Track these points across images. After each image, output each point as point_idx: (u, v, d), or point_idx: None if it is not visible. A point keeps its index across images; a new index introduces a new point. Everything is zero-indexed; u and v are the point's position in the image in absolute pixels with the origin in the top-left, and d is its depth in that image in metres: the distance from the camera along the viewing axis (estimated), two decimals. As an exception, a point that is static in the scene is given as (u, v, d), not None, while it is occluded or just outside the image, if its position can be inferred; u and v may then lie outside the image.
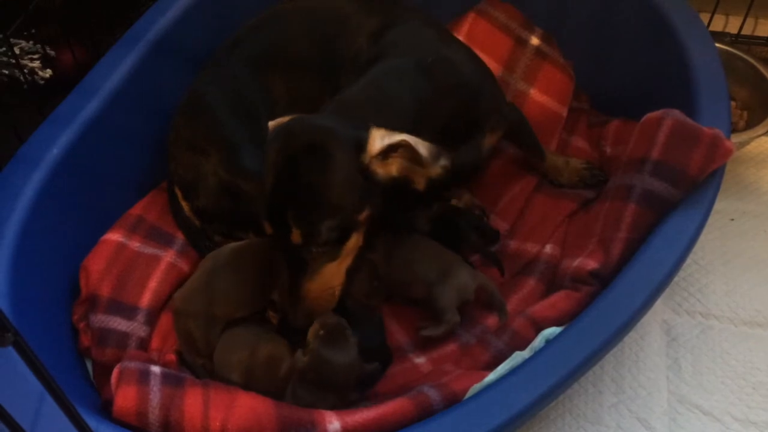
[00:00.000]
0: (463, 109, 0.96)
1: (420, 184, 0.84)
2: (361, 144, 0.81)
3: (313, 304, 0.87)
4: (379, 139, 0.81)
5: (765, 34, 1.45)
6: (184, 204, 1.09)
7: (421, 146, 0.81)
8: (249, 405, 0.78)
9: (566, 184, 1.16)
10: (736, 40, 1.43)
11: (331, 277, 0.87)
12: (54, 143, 0.99)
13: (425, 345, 0.98)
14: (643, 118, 1.00)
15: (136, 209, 1.10)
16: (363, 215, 0.85)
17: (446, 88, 0.93)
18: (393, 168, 0.83)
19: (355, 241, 0.87)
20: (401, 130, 0.83)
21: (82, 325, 0.95)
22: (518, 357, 0.81)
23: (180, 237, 1.09)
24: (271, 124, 0.88)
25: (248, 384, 0.86)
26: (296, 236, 0.83)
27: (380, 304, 1.02)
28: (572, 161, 1.17)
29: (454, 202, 1.14)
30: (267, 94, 1.07)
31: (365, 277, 0.99)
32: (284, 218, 0.82)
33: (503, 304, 0.97)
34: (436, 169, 0.82)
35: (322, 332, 0.86)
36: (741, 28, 1.43)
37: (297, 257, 0.85)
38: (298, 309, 0.87)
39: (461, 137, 0.97)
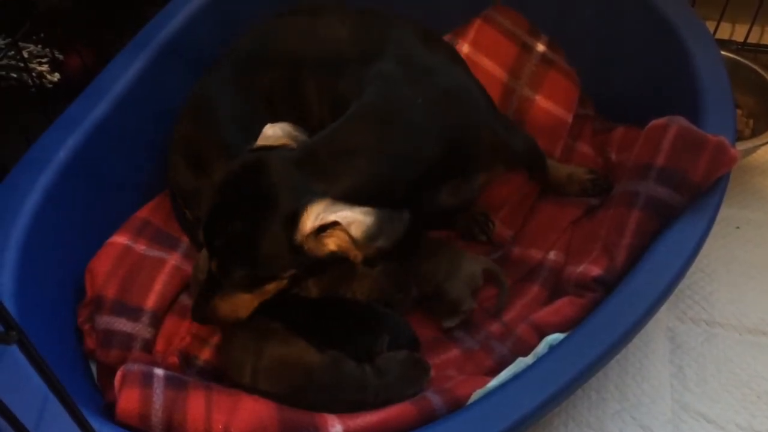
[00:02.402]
0: (460, 148, 0.90)
1: (356, 259, 0.80)
2: (296, 219, 0.78)
3: (216, 319, 0.88)
4: (313, 217, 0.78)
5: (771, 43, 1.46)
6: (186, 210, 1.10)
7: (356, 227, 0.76)
8: (252, 408, 0.78)
9: (569, 194, 1.16)
10: (743, 48, 1.43)
11: (241, 304, 0.87)
12: (61, 146, 1.00)
13: (428, 350, 0.98)
14: (648, 125, 1.00)
15: (143, 213, 1.11)
16: (287, 274, 0.84)
17: (445, 126, 0.88)
18: (330, 245, 0.79)
19: (274, 286, 0.86)
20: (381, 181, 0.82)
21: (86, 327, 0.95)
22: (521, 363, 0.81)
23: (185, 240, 1.10)
24: (267, 129, 0.87)
25: (255, 387, 0.86)
26: (214, 265, 0.83)
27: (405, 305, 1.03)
28: (575, 173, 1.15)
29: None
30: (266, 97, 1.07)
31: (387, 281, 1.02)
32: (210, 243, 0.83)
33: (504, 284, 1.02)
34: (369, 249, 0.78)
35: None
36: (747, 36, 1.43)
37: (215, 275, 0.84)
38: (200, 315, 0.88)
39: (451, 176, 0.93)
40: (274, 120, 1.07)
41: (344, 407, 0.82)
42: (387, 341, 0.92)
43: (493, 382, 0.79)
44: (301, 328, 0.93)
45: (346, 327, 0.96)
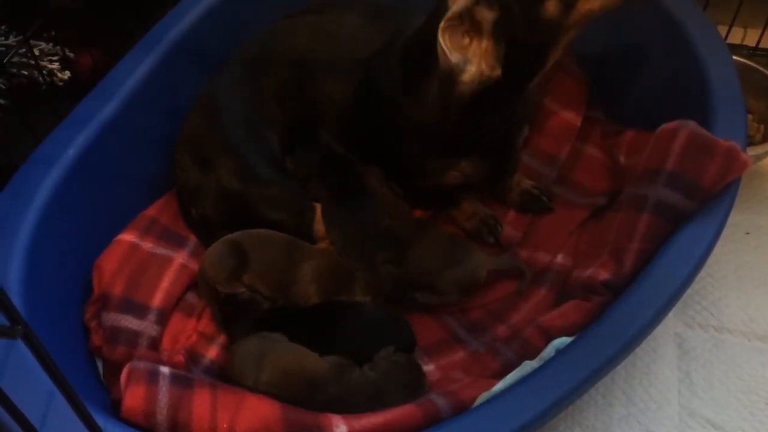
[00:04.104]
0: None
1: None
2: None
3: None
4: None
5: (783, 48, 1.45)
6: (192, 209, 1.10)
7: None
8: (257, 407, 0.78)
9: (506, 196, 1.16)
10: (754, 53, 1.42)
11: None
12: (70, 144, 1.00)
13: (434, 352, 0.98)
14: (658, 129, 0.99)
15: (151, 211, 1.11)
16: None
17: None
18: None
19: None
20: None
21: (93, 324, 0.96)
22: (527, 366, 0.81)
23: (192, 239, 1.10)
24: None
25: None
26: None
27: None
28: (524, 181, 1.15)
29: (465, 211, 1.15)
30: (275, 96, 1.07)
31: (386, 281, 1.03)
32: None
33: (525, 271, 1.05)
34: None
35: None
36: (759, 40, 1.42)
37: None
38: None
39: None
40: (282, 120, 1.08)
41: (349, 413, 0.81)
42: (392, 351, 0.91)
43: (499, 386, 0.79)
44: (304, 337, 0.93)
45: (348, 333, 0.96)
